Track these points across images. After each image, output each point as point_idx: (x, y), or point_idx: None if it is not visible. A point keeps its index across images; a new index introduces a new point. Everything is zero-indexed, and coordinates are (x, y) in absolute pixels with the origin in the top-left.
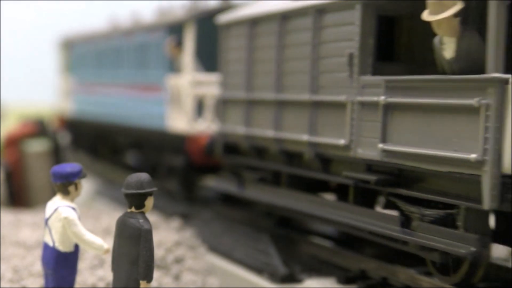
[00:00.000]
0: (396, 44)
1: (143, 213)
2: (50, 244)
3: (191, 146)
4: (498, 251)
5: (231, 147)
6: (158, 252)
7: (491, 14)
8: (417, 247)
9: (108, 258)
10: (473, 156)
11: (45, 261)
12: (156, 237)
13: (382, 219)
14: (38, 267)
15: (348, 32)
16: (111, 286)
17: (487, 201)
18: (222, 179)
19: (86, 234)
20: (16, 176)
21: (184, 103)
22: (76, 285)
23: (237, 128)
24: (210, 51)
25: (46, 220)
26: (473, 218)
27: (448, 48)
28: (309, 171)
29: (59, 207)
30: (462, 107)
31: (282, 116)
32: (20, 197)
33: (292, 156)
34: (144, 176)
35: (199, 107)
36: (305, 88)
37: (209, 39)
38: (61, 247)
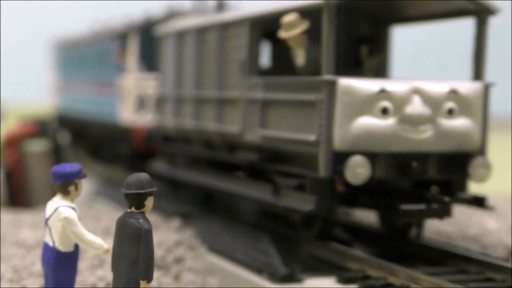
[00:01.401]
0: (280, 52)
1: (143, 213)
2: (50, 244)
3: (134, 137)
4: (498, 251)
5: (167, 137)
6: (158, 252)
7: (324, 32)
8: (283, 208)
9: (108, 258)
10: (312, 137)
11: (45, 261)
12: (156, 237)
13: (263, 189)
14: (38, 267)
15: (241, 43)
16: (111, 286)
17: (322, 171)
18: (160, 164)
19: (86, 234)
20: (16, 176)
21: (128, 99)
22: (76, 285)
23: (170, 121)
24: (154, 53)
25: (46, 220)
26: (316, 185)
27: (300, 57)
28: (218, 154)
29: (59, 207)
30: (307, 101)
31: (200, 110)
32: (20, 197)
33: (208, 143)
34: (144, 176)
35: (142, 103)
36: (214, 87)
37: (153, 43)
38: (61, 247)
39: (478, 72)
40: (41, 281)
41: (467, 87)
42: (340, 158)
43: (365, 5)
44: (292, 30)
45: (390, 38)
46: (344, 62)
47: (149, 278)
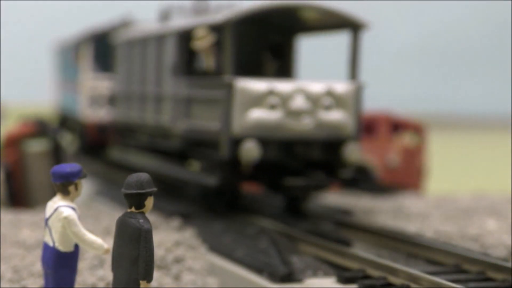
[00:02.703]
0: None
1: (143, 213)
2: (50, 244)
3: (87, 130)
4: (498, 251)
5: (119, 129)
6: (158, 252)
7: (225, 43)
8: (199, 184)
9: (108, 258)
10: (217, 126)
11: (45, 261)
12: (156, 237)
13: (185, 170)
14: (38, 267)
15: (172, 50)
16: (111, 286)
17: (223, 153)
18: (116, 152)
19: (86, 234)
20: (16, 176)
21: (84, 97)
22: (76, 285)
23: (121, 115)
24: (108, 57)
25: (46, 220)
26: (220, 164)
27: (209, 62)
28: (156, 142)
29: (59, 207)
30: (214, 98)
31: (143, 105)
32: (20, 197)
33: (150, 133)
34: (144, 176)
35: (94, 100)
36: (153, 86)
37: (107, 48)
38: (61, 247)
39: (352, 74)
40: (41, 281)
41: (342, 86)
42: (237, 143)
43: (273, 18)
44: (201, 42)
45: (296, 46)
46: (250, 65)
47: (149, 278)
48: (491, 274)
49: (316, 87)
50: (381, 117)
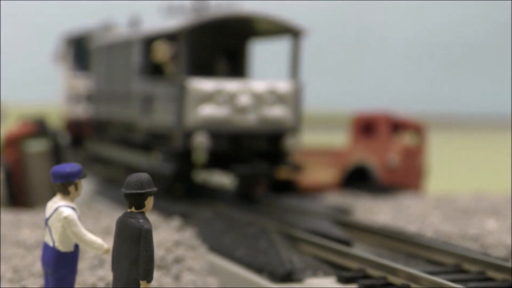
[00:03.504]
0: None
1: (143, 213)
2: (50, 244)
3: (68, 126)
4: (498, 251)
5: (95, 124)
6: (158, 252)
7: (180, 49)
8: (158, 174)
9: (108, 258)
10: (171, 121)
11: (45, 261)
12: (156, 237)
13: (146, 160)
14: (38, 267)
15: (137, 53)
16: (111, 286)
17: (177, 145)
18: (91, 145)
19: (86, 234)
20: (16, 176)
21: (62, 94)
22: (76, 285)
23: (96, 111)
24: (85, 57)
25: (46, 220)
26: (175, 155)
27: (169, 68)
28: (124, 136)
29: (59, 207)
30: (170, 96)
31: (115, 103)
32: (20, 197)
33: (122, 128)
34: (144, 176)
35: (71, 97)
36: (122, 85)
37: (85, 50)
38: (61, 247)
39: (293, 74)
40: (41, 281)
41: (283, 85)
42: (189, 135)
43: (227, 24)
44: (160, 54)
45: (248, 49)
46: (205, 66)
47: (149, 278)
48: (491, 274)
49: (260, 86)
50: (381, 117)
